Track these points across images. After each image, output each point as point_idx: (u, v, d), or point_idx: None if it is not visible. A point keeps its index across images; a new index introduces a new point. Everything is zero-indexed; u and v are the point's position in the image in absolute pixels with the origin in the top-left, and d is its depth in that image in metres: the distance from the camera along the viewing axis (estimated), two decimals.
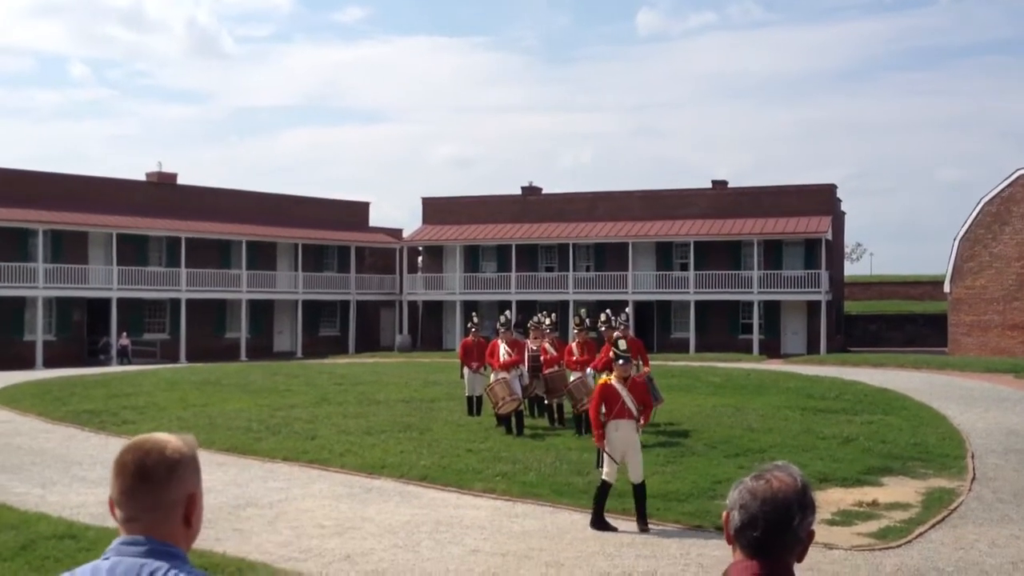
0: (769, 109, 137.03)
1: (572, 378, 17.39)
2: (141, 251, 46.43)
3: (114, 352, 43.24)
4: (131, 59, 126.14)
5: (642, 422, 11.17)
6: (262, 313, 51.12)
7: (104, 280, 43.96)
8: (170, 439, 2.30)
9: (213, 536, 10.07)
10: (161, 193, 49.15)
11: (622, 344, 11.69)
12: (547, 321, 19.46)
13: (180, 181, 51.18)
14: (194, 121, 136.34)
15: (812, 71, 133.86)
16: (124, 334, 43.87)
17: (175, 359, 43.88)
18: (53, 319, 43.85)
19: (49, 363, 39.83)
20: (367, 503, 12.20)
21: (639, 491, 10.90)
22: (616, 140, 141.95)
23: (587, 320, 18.63)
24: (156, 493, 2.24)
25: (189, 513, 2.28)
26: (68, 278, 42.79)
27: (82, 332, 45.30)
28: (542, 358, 18.30)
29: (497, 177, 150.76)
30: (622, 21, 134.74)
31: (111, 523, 11.26)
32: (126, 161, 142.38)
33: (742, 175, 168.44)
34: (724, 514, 2.37)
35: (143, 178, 50.62)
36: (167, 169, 51.32)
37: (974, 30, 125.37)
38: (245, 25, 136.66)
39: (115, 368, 37.01)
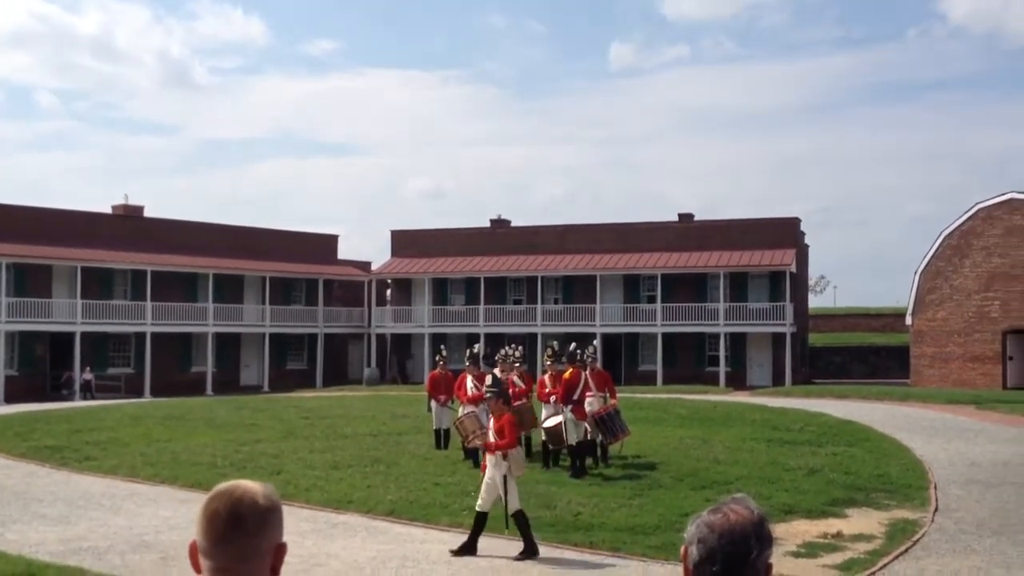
0: (740, 142, 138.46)
1: (544, 412, 17.38)
2: (106, 284, 45.96)
3: (77, 387, 42.67)
4: (100, 90, 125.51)
5: (493, 449, 11.43)
6: (229, 347, 50.72)
7: (68, 314, 43.47)
8: (258, 487, 2.21)
9: (176, 574, 9.96)
10: (127, 226, 48.80)
11: (489, 379, 12.43)
12: (515, 353, 19.52)
13: (147, 214, 50.89)
14: (162, 153, 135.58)
15: (782, 105, 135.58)
16: (88, 368, 43.34)
17: (139, 394, 43.34)
18: (15, 353, 43.24)
19: (11, 398, 39.21)
20: (333, 538, 12.12)
21: (515, 520, 11.18)
22: (589, 173, 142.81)
23: (558, 352, 18.67)
24: (249, 542, 2.14)
25: (277, 564, 2.18)
26: (31, 312, 42.26)
27: (45, 366, 44.67)
28: (509, 391, 18.28)
29: (470, 210, 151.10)
30: (595, 55, 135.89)
31: (71, 561, 11.09)
32: (92, 194, 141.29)
33: (713, 208, 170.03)
34: (682, 549, 2.38)
35: (109, 211, 50.30)
36: (133, 201, 51.03)
37: (941, 65, 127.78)
38: (215, 57, 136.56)
39: (78, 403, 36.51)
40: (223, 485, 2.23)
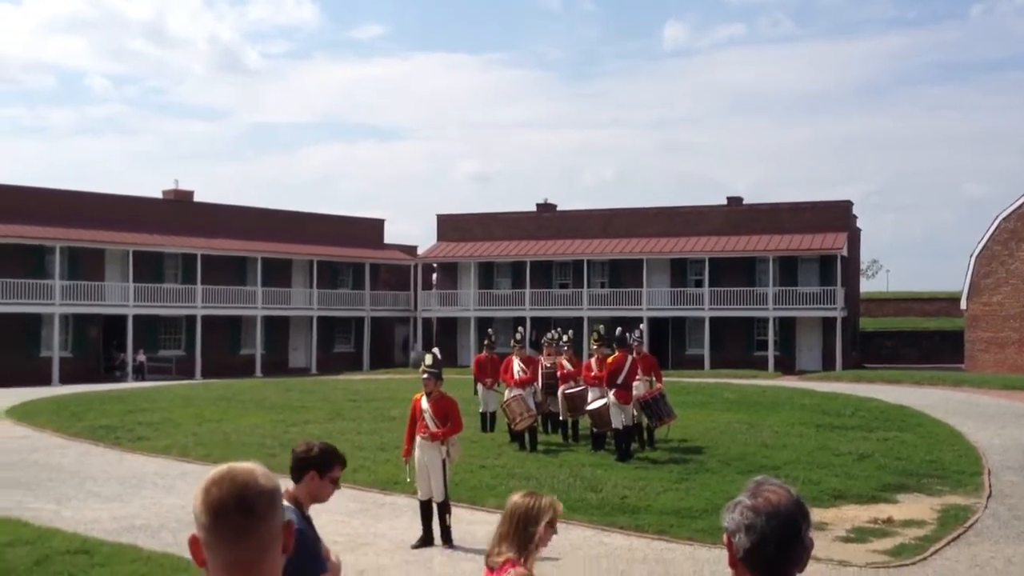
0: (793, 124, 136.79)
1: (590, 396, 17.34)
2: (157, 268, 46.71)
3: (130, 368, 43.44)
4: (152, 75, 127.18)
5: (440, 437, 10.84)
6: (277, 330, 51.28)
7: (120, 297, 44.23)
8: (256, 467, 2.08)
9: None
10: (177, 210, 49.47)
11: (428, 359, 11.36)
12: (564, 337, 19.85)
13: (197, 198, 51.56)
14: (212, 138, 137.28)
15: (837, 86, 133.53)
16: (140, 350, 44.09)
17: (190, 375, 44.01)
18: (69, 336, 44.10)
19: (65, 379, 40.00)
20: (380, 519, 12.22)
21: (439, 510, 10.84)
22: (638, 156, 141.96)
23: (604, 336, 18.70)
24: (264, 527, 2.02)
25: (288, 543, 2.08)
26: (84, 295, 43.06)
27: (98, 349, 45.54)
28: (558, 373, 18.41)
29: (517, 194, 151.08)
30: (648, 35, 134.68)
31: (124, 539, 11.26)
32: (143, 178, 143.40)
33: (764, 191, 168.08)
34: (726, 537, 2.32)
35: (160, 195, 51.03)
36: (184, 186, 51.76)
37: (1001, 44, 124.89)
38: (264, 42, 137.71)
39: (131, 384, 37.16)
40: (217, 472, 2.07)
